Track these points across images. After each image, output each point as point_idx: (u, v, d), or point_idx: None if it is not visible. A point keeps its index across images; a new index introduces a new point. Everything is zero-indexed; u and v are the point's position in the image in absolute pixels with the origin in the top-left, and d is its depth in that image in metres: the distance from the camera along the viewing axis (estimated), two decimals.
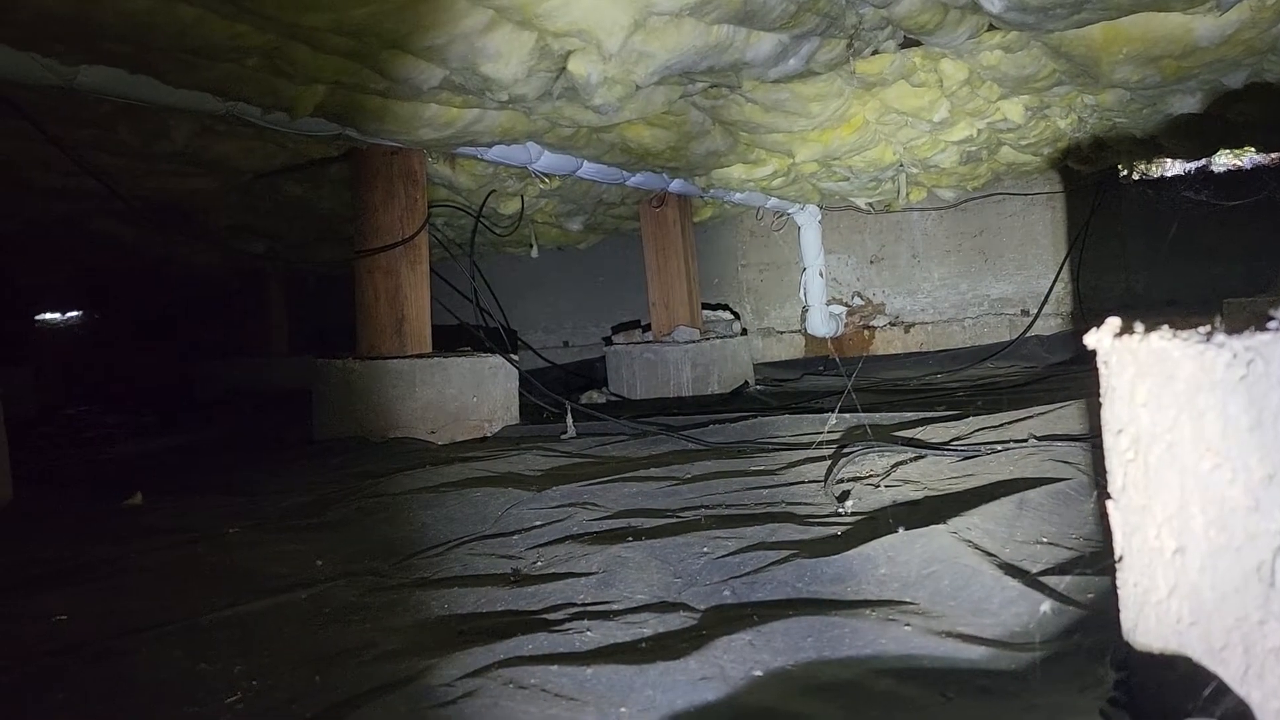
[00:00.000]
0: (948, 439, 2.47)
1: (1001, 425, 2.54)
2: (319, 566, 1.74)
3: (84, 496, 2.68)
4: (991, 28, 2.99)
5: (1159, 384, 0.84)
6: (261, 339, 7.39)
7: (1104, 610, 1.12)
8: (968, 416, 2.73)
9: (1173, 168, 5.56)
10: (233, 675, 1.21)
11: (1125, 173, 5.69)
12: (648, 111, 3.20)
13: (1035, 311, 5.80)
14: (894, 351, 6.24)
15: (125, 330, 8.45)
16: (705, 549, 1.61)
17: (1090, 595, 1.24)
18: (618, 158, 3.95)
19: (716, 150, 4.01)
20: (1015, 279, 6.02)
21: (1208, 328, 0.82)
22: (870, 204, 5.80)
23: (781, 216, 6.20)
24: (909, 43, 3.08)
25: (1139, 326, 0.87)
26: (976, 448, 2.25)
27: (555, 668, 1.11)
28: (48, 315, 8.31)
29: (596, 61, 2.58)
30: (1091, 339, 0.92)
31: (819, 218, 6.11)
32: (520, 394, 3.75)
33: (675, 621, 1.29)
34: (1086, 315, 5.54)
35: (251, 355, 7.33)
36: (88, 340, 8.55)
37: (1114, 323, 0.90)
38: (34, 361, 6.72)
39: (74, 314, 8.53)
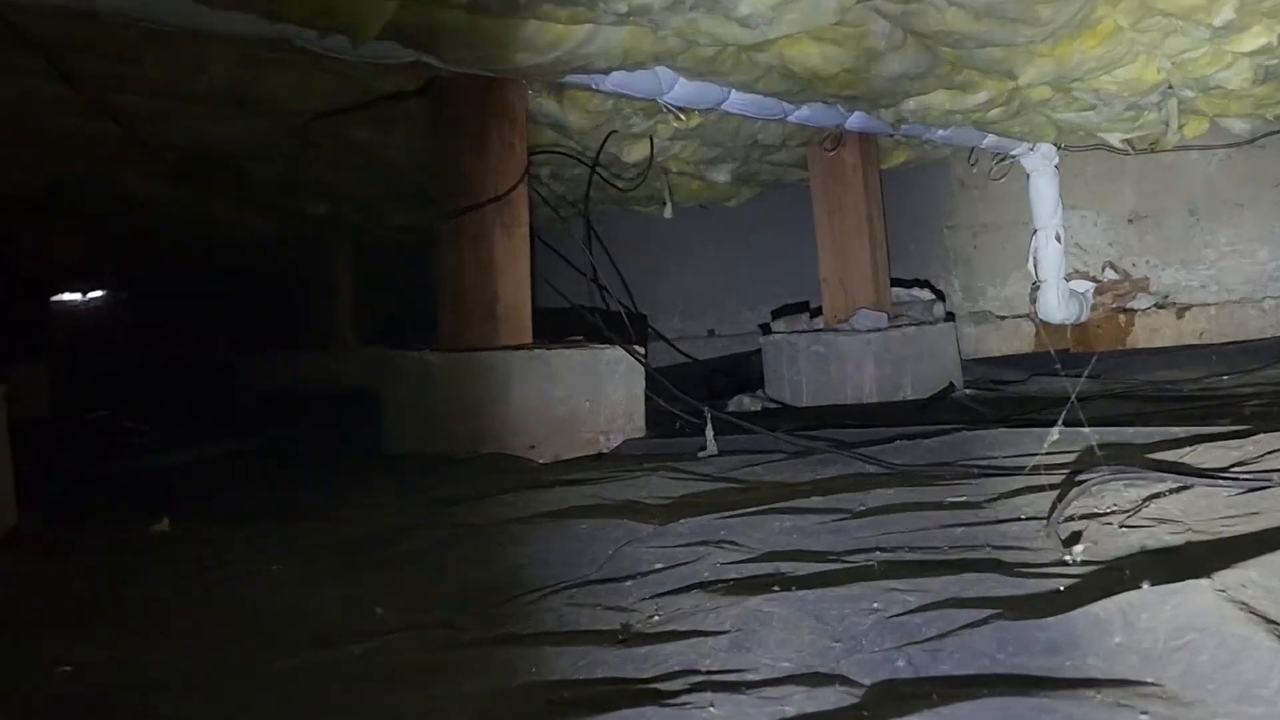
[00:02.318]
0: (1226, 465, 2.39)
1: None
2: (378, 615, 1.81)
3: (100, 521, 2.86)
4: None
5: None
6: (324, 325, 7.72)
7: None
8: (1259, 434, 2.64)
9: None
10: None
11: None
12: (814, 22, 3.18)
13: None
14: (1162, 344, 6.05)
15: (158, 315, 8.93)
16: (876, 604, 1.60)
17: None
18: (776, 85, 3.94)
19: (909, 72, 3.95)
20: None
21: None
22: (1128, 141, 5.62)
23: (1003, 160, 6.07)
24: None
25: None
26: (1267, 476, 2.17)
27: None
28: (65, 296, 8.84)
29: None
30: None
31: (1055, 161, 5.94)
32: (648, 397, 3.80)
33: (829, 698, 1.30)
34: None
35: (311, 346, 7.66)
36: (113, 326, 9.07)
37: None
38: (48, 353, 7.17)
39: (96, 295, 9.06)
